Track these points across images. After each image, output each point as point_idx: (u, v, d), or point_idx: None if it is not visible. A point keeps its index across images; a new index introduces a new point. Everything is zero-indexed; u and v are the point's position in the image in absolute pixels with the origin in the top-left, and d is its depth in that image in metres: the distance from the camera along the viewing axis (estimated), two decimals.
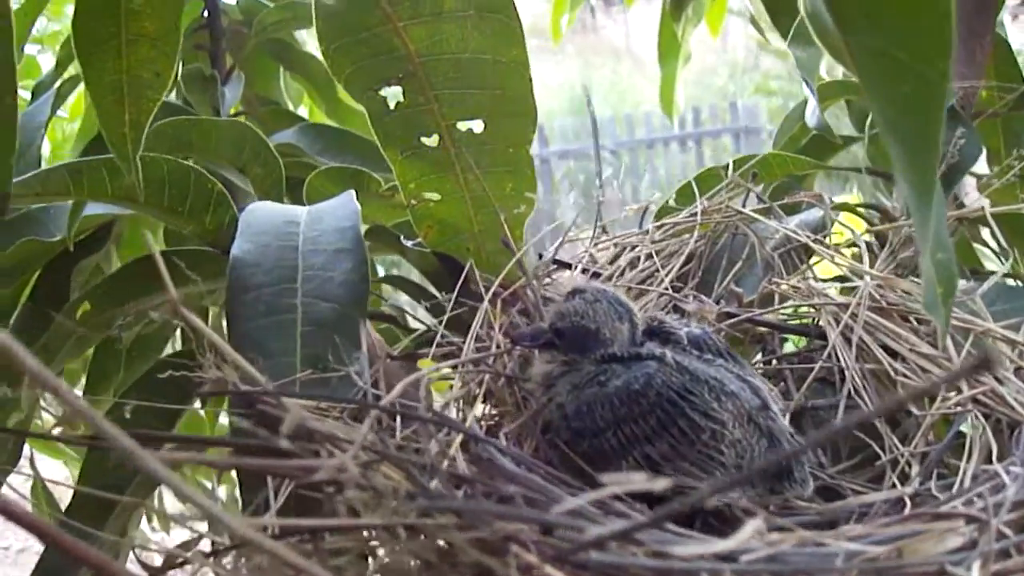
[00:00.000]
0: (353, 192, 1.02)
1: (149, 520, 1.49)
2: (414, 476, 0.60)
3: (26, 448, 1.30)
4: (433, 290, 1.16)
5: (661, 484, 0.42)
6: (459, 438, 0.69)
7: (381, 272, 1.68)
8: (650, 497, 0.68)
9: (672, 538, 0.55)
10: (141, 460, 0.47)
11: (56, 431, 0.84)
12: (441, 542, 0.56)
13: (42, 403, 1.34)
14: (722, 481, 0.66)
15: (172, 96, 1.56)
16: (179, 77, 1.54)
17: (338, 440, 0.63)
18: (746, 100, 8.63)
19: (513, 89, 0.99)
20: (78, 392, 1.52)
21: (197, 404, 1.30)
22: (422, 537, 0.58)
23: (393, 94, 1.01)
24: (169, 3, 0.94)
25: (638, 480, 0.42)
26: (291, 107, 1.91)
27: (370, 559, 0.60)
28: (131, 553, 0.86)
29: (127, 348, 1.29)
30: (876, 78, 0.58)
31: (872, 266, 1.07)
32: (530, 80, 0.99)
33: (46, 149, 2.26)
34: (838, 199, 1.29)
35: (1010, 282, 1.25)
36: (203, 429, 1.61)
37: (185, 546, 0.69)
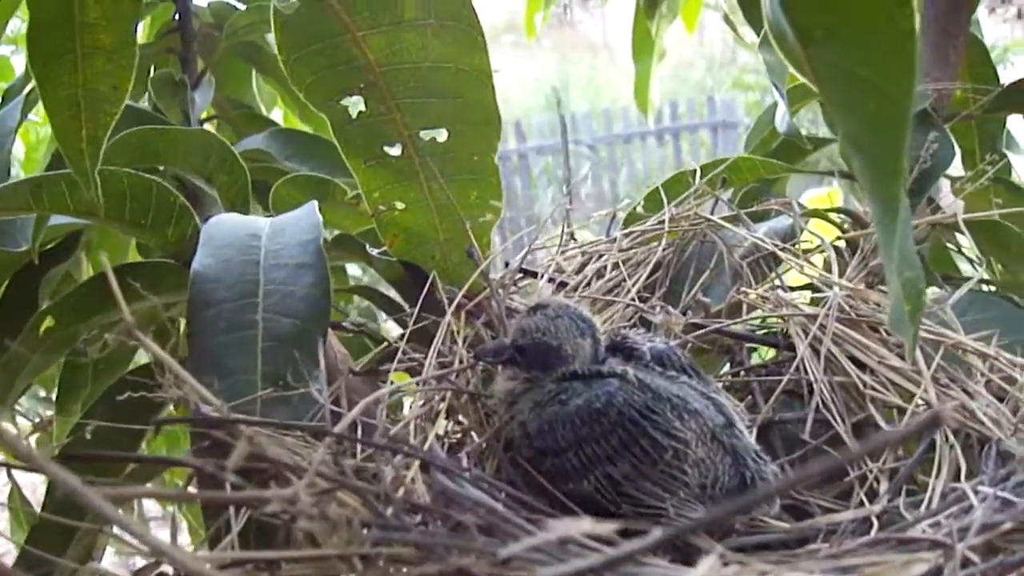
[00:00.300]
0: (315, 204, 1.01)
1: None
2: (370, 504, 0.59)
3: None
4: (399, 299, 1.15)
5: (608, 528, 0.41)
6: (416, 463, 0.68)
7: (358, 275, 1.67)
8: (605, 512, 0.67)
9: (631, 569, 0.54)
10: (84, 498, 0.46)
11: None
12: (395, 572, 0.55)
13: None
14: (681, 525, 0.65)
15: (144, 102, 1.54)
16: (149, 82, 1.52)
17: (292, 468, 0.62)
18: (723, 95, 8.63)
19: (475, 97, 0.98)
20: (51, 397, 1.51)
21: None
22: (380, 565, 0.57)
23: (355, 103, 0.99)
24: (124, 16, 0.92)
25: (587, 526, 0.40)
26: (264, 111, 1.89)
27: None
28: None
29: (94, 362, 1.28)
30: (839, 94, 0.57)
31: (842, 274, 1.06)
32: (492, 88, 0.99)
33: (20, 151, 2.25)
34: (815, 194, 1.28)
35: (984, 288, 1.24)
36: (177, 440, 1.60)
37: (143, 572, 0.68)
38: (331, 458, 0.64)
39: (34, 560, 0.98)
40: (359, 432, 0.73)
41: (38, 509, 1.14)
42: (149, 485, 0.68)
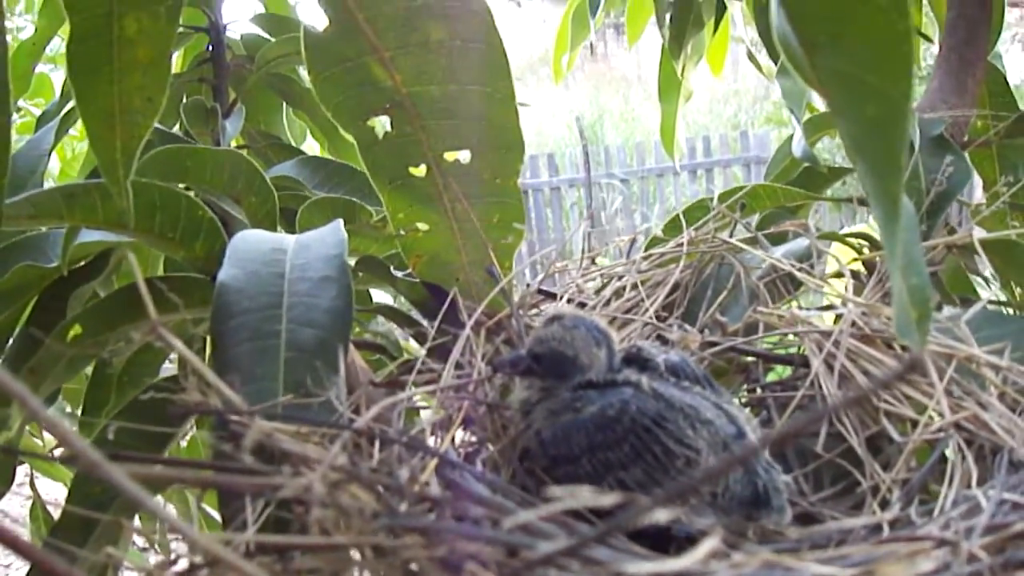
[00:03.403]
0: (340, 221, 1.02)
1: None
2: (382, 497, 0.61)
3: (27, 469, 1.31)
4: (422, 320, 1.17)
5: (609, 500, 0.42)
6: (432, 462, 0.70)
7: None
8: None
9: (631, 558, 0.55)
10: (107, 474, 0.48)
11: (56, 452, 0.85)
12: (408, 563, 0.57)
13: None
14: (673, 493, 0.66)
15: (176, 128, 1.57)
16: (181, 109, 1.55)
17: (308, 460, 0.64)
18: (756, 130, 8.65)
19: (499, 120, 1.00)
20: (77, 413, 1.54)
21: (193, 428, 1.30)
22: (390, 555, 0.58)
23: (382, 124, 1.02)
24: (162, 33, 0.95)
25: (585, 495, 0.42)
26: (294, 143, 1.92)
27: None
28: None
29: (119, 373, 1.30)
30: (841, 99, 0.59)
31: (859, 294, 1.08)
32: (516, 111, 1.00)
33: (55, 168, 2.29)
34: (850, 230, 1.30)
35: (1001, 310, 1.25)
36: (198, 453, 1.62)
37: (163, 566, 0.69)
38: (346, 454, 0.66)
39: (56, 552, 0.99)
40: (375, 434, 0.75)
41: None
42: (163, 469, 0.70)
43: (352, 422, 0.74)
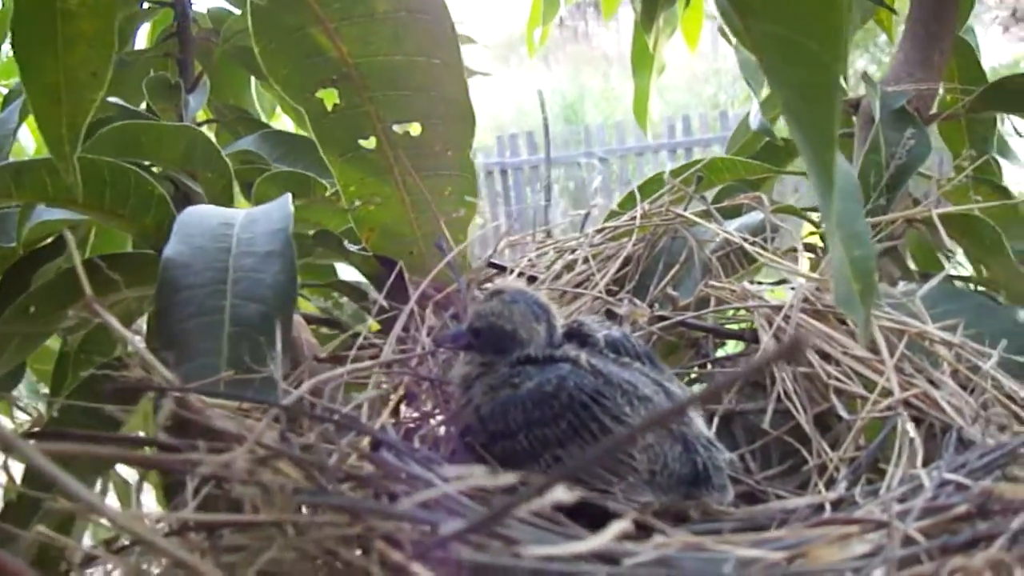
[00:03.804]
0: (289, 196, 1.01)
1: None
2: (310, 474, 0.60)
3: None
4: (374, 294, 1.16)
5: (507, 479, 0.41)
6: (366, 439, 0.69)
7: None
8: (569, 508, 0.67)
9: (552, 537, 0.55)
10: (22, 451, 0.47)
11: None
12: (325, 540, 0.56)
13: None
14: (583, 464, 0.65)
15: (142, 106, 1.56)
16: (143, 85, 1.54)
17: (235, 437, 0.63)
18: (736, 110, 8.63)
19: (449, 92, 1.00)
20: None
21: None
22: (312, 532, 0.57)
23: (331, 96, 1.01)
24: (104, 4, 0.93)
25: (479, 475, 0.41)
26: (264, 117, 1.90)
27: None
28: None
29: (74, 351, 1.28)
30: (774, 62, 0.58)
31: (815, 270, 1.07)
32: (465, 84, 1.00)
33: (31, 147, 2.27)
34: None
35: (959, 284, 1.24)
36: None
37: (109, 542, 0.69)
38: (276, 431, 0.65)
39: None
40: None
41: None
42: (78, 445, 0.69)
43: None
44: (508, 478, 0.42)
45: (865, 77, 1.33)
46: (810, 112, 0.57)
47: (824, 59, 0.54)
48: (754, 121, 1.35)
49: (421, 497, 0.49)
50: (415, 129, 1.01)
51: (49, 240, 1.26)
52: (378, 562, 0.49)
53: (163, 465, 0.60)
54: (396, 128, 1.01)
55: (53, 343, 1.38)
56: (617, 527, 0.45)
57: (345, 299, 1.32)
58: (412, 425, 0.89)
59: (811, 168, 0.58)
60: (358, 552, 0.52)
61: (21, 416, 1.70)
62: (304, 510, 0.59)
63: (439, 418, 0.89)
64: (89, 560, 0.67)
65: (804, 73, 0.55)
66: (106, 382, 0.79)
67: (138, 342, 0.71)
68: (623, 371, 0.82)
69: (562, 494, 0.40)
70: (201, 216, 0.98)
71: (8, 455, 0.49)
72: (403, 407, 0.88)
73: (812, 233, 1.20)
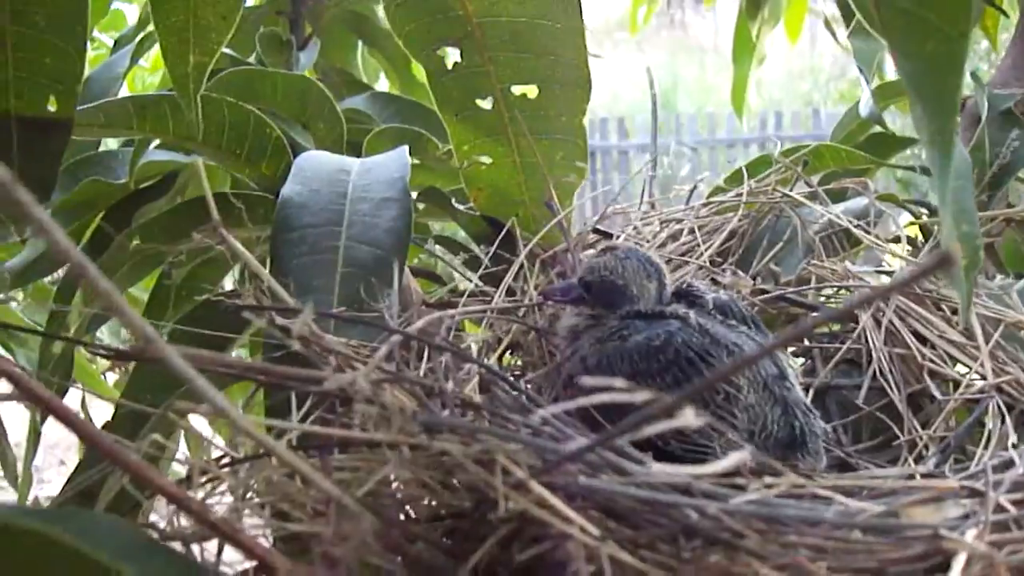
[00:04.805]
0: (406, 147, 1.04)
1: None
2: (422, 399, 0.63)
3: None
4: (476, 251, 1.18)
5: (639, 396, 0.44)
6: (475, 373, 0.72)
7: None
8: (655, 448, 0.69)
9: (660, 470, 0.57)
10: (174, 362, 0.49)
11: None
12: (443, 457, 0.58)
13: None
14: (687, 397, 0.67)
15: (252, 59, 1.59)
16: (257, 39, 1.57)
17: (355, 360, 0.65)
18: (830, 108, 8.55)
19: (568, 57, 1.01)
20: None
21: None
22: (427, 456, 0.59)
23: (452, 55, 1.03)
24: None
25: (620, 387, 0.43)
26: (367, 81, 1.93)
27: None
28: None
29: (178, 286, 1.31)
30: (901, 36, 0.59)
31: (916, 255, 1.08)
32: (585, 50, 1.00)
33: None
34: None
35: None
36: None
37: (210, 462, 0.71)
38: (393, 360, 0.67)
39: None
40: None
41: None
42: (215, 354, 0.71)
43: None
44: (642, 394, 0.44)
45: (974, 77, 1.33)
46: (935, 83, 0.58)
47: (951, 33, 0.56)
48: (864, 109, 1.35)
49: (542, 415, 0.51)
50: (532, 92, 1.03)
51: (150, 182, 1.30)
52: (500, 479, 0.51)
53: (290, 378, 0.63)
54: (514, 90, 1.02)
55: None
56: (737, 456, 0.48)
57: (439, 256, 1.34)
58: (518, 373, 0.91)
59: (931, 139, 0.60)
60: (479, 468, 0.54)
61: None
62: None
63: (544, 368, 0.91)
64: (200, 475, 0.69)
65: (931, 45, 0.57)
66: (219, 315, 0.83)
67: (261, 270, 0.74)
68: (730, 332, 0.84)
69: (690, 417, 0.42)
70: (319, 161, 1.01)
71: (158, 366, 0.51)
72: (509, 355, 0.90)
73: (912, 223, 1.21)
